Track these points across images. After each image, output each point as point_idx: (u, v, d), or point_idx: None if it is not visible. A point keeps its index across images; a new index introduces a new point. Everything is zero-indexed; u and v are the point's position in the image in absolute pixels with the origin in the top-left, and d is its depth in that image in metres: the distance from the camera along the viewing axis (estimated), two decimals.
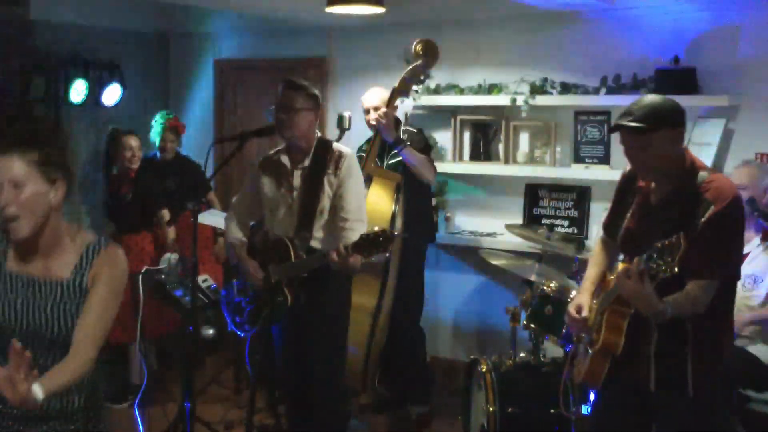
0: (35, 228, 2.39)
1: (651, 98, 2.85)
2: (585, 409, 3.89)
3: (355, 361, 4.65)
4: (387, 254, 3.65)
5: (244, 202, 4.17)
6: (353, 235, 3.72)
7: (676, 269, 2.53)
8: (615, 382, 2.91)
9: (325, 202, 3.89)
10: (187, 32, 6.84)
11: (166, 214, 5.42)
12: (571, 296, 3.80)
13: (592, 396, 3.80)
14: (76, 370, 2.35)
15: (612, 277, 2.92)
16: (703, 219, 2.70)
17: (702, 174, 2.81)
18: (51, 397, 2.26)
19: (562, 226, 5.22)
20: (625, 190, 3.03)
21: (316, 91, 3.99)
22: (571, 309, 2.99)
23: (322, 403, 3.98)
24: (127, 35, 6.61)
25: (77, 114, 6.13)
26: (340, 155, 3.92)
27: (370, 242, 3.57)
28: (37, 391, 2.16)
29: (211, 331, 6.28)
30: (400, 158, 4.82)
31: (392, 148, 4.83)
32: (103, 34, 6.38)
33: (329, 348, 3.95)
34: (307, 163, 3.93)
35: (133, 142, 5.50)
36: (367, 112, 4.96)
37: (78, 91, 6.00)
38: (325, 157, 3.92)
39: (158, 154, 5.75)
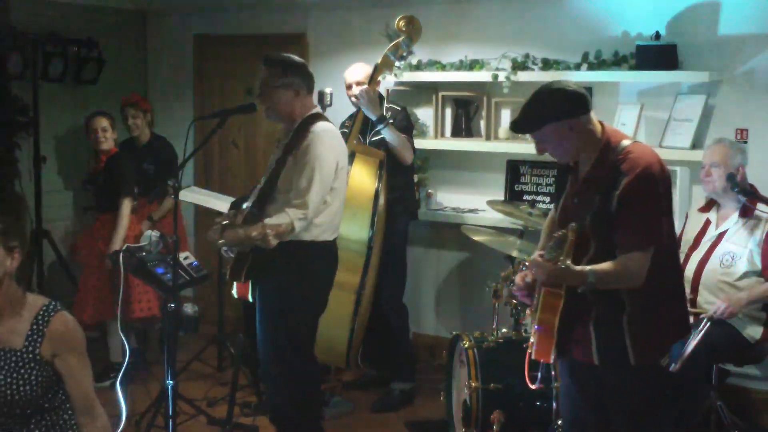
0: None
1: (537, 95, 2.91)
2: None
3: (339, 339, 4.65)
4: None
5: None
6: (280, 218, 3.67)
7: (568, 261, 2.73)
8: (566, 357, 2.97)
9: (283, 181, 3.80)
10: (166, 8, 6.76)
11: (128, 204, 5.28)
12: None
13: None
14: (105, 429, 2.66)
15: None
16: (617, 191, 2.76)
17: (622, 144, 2.87)
18: None
19: (543, 202, 5.22)
20: (563, 168, 3.10)
21: (298, 65, 3.89)
22: (518, 278, 3.04)
23: (274, 384, 3.98)
24: (105, 12, 6.52)
25: (55, 91, 6.07)
26: (306, 132, 3.79)
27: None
28: None
29: (191, 309, 6.29)
30: (383, 135, 4.80)
31: (375, 125, 4.80)
32: (81, 11, 6.30)
33: (271, 327, 3.87)
34: (286, 140, 3.89)
35: (102, 122, 5.39)
36: (349, 87, 4.93)
37: (56, 68, 5.93)
38: (299, 134, 3.84)
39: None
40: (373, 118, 4.75)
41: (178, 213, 4.10)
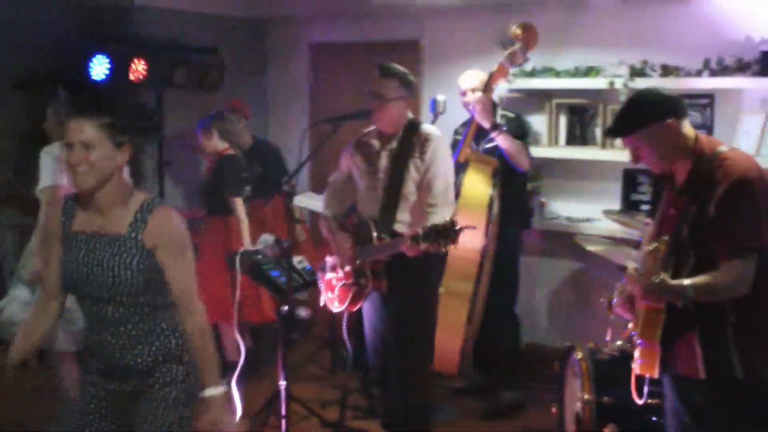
0: (99, 183, 2.64)
1: (630, 100, 2.91)
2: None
3: (452, 346, 4.64)
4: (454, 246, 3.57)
5: (337, 181, 4.22)
6: (437, 220, 3.68)
7: (663, 275, 2.66)
8: (670, 371, 2.89)
9: (411, 186, 3.88)
10: (283, 16, 6.91)
11: (239, 202, 5.40)
12: None
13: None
14: (203, 330, 2.74)
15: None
16: (714, 199, 2.69)
17: (717, 150, 2.79)
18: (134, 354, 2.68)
19: None
20: (659, 177, 3.04)
21: (411, 78, 3.98)
22: (617, 292, 3.02)
23: (400, 391, 4.00)
24: (227, 21, 6.72)
25: (179, 98, 6.28)
26: (426, 138, 3.88)
27: (437, 233, 3.51)
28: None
29: (305, 312, 6.39)
30: (496, 143, 4.78)
31: (488, 133, 4.79)
32: (204, 20, 6.51)
33: (406, 336, 3.93)
34: (394, 144, 3.94)
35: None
36: (463, 94, 4.93)
37: (180, 75, 6.14)
38: (412, 139, 3.90)
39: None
40: (487, 126, 4.73)
41: (292, 216, 4.18)
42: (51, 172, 4.31)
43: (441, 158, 3.89)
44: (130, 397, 2.73)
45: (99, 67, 5.75)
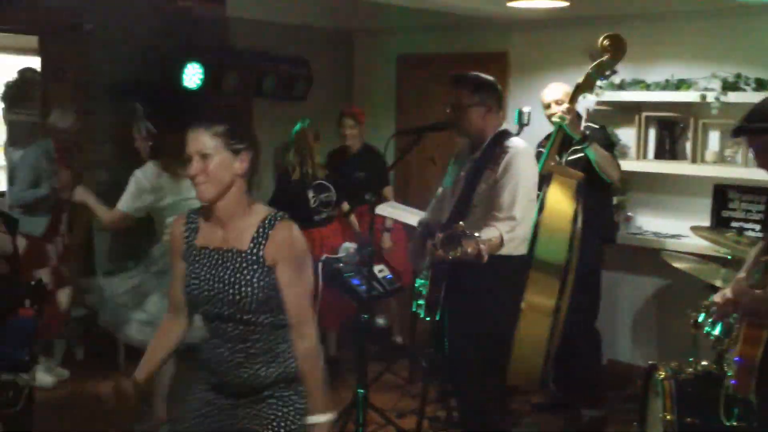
0: (219, 194, 2.58)
1: (766, 100, 2.81)
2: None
3: (534, 362, 4.58)
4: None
5: (441, 190, 4.21)
6: (490, 233, 3.64)
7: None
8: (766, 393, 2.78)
9: (479, 197, 3.82)
10: (371, 28, 6.98)
11: (345, 206, 5.51)
12: None
13: None
14: (313, 354, 2.65)
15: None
16: None
17: None
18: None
19: (753, 230, 4.94)
20: None
21: (488, 83, 3.91)
22: (716, 297, 2.89)
23: (465, 400, 3.98)
24: (315, 32, 6.83)
25: (268, 107, 6.40)
26: (504, 150, 3.81)
27: (447, 239, 3.41)
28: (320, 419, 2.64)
29: (383, 321, 6.42)
30: (581, 155, 4.71)
31: (572, 145, 4.73)
32: (292, 31, 6.63)
33: (467, 344, 3.88)
34: (478, 154, 3.92)
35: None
36: (547, 106, 4.88)
37: (269, 84, 6.26)
38: (494, 150, 3.86)
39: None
40: (576, 138, 4.66)
41: (374, 226, 4.20)
42: (130, 197, 4.42)
43: (513, 172, 3.76)
44: (239, 414, 2.67)
45: (192, 76, 5.91)
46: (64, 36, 5.90)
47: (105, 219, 4.51)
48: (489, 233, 3.68)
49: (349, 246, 5.04)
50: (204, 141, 2.55)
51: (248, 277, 2.57)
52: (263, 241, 2.59)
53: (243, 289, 2.56)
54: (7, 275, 4.32)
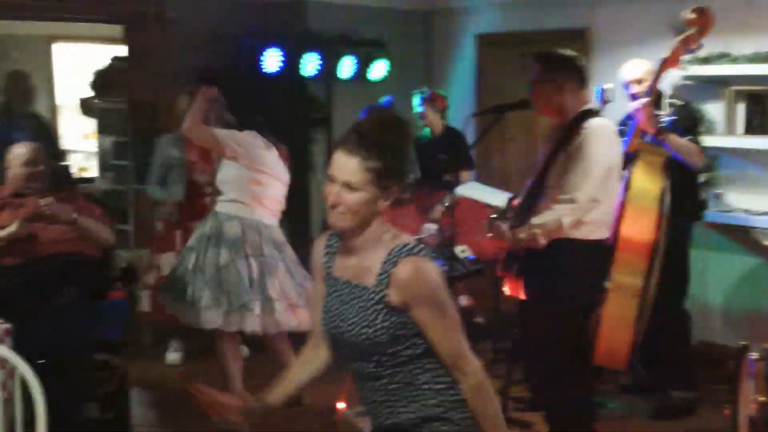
0: (355, 228, 2.35)
1: None
2: None
3: (622, 342, 4.51)
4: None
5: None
6: (545, 216, 3.59)
7: None
8: None
9: (553, 178, 3.75)
10: (450, 8, 6.94)
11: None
12: None
13: None
14: (479, 389, 2.38)
15: None
16: None
17: None
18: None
19: None
20: None
21: (566, 59, 3.83)
22: None
23: (548, 382, 3.95)
24: (392, 13, 6.82)
25: (345, 90, 6.43)
26: (582, 128, 3.70)
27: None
28: None
29: (466, 301, 6.40)
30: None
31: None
32: (370, 13, 6.63)
33: (541, 324, 3.85)
34: (556, 134, 3.86)
35: None
36: (628, 85, 4.78)
37: (347, 68, 6.29)
38: (572, 130, 3.75)
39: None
40: (652, 131, 4.54)
41: (455, 207, 4.19)
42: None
43: (584, 153, 3.64)
44: None
45: (272, 61, 5.98)
46: (147, 25, 6.03)
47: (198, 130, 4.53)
48: (544, 217, 3.63)
49: (431, 227, 5.03)
50: (354, 172, 2.27)
51: (371, 318, 2.33)
52: (386, 280, 2.31)
53: (364, 330, 2.34)
54: (101, 259, 4.47)
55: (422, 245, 2.36)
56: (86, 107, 6.91)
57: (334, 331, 2.41)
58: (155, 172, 5.45)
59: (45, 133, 6.21)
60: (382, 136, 2.31)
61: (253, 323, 4.44)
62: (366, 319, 2.33)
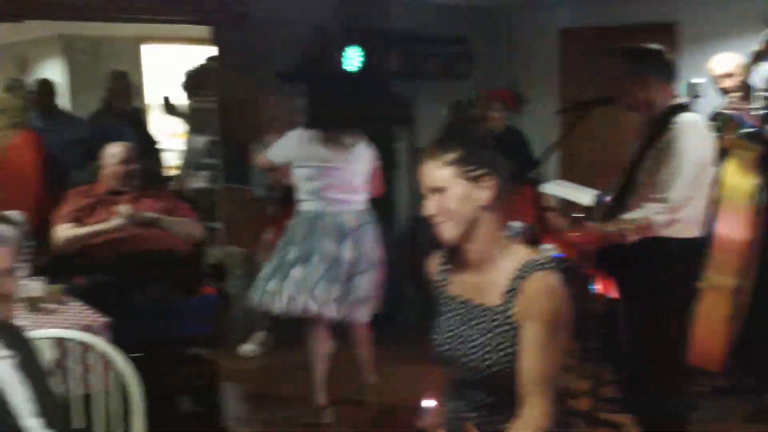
0: (464, 233, 2.19)
1: None
2: None
3: (715, 342, 4.42)
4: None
5: None
6: (635, 214, 3.52)
7: None
8: None
9: (641, 175, 3.66)
10: (532, 3, 6.87)
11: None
12: None
13: None
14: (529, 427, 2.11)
15: None
16: None
17: None
18: None
19: None
20: None
21: (652, 53, 3.73)
22: None
23: (640, 383, 3.87)
24: (475, 10, 6.79)
25: (430, 87, 6.43)
26: (671, 125, 3.61)
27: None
28: None
29: None
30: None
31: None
32: (453, 10, 6.61)
33: (634, 324, 3.78)
34: (646, 130, 3.78)
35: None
36: (717, 79, 4.67)
37: (430, 65, 6.28)
38: (662, 126, 3.66)
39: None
40: (749, 125, 4.42)
41: (539, 204, 4.16)
42: (275, 147, 4.69)
43: (675, 150, 3.53)
44: None
45: (353, 59, 6.02)
46: (234, 25, 6.14)
47: (258, 161, 4.94)
48: (634, 215, 3.57)
49: (516, 225, 4.99)
50: (435, 173, 2.18)
51: (498, 341, 2.14)
52: (514, 295, 2.13)
53: (489, 355, 2.14)
54: (192, 256, 4.57)
55: (553, 259, 2.20)
56: (168, 106, 7.08)
57: (450, 354, 2.21)
58: (259, 172, 5.63)
59: (141, 132, 6.38)
60: (454, 130, 2.28)
61: (360, 314, 4.64)
62: (492, 343, 2.14)
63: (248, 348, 5.71)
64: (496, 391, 2.17)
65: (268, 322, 5.55)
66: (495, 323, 2.15)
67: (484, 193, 2.18)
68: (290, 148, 4.68)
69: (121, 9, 5.89)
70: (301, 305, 4.53)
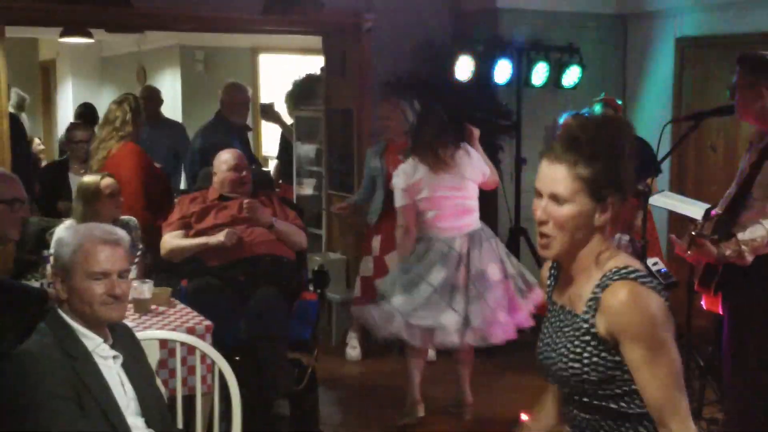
0: (566, 250, 2.06)
1: None
2: None
3: None
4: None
5: None
6: (754, 232, 3.36)
7: None
8: None
9: (758, 190, 3.52)
10: (647, 11, 6.71)
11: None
12: None
13: None
14: None
15: None
16: None
17: None
18: None
19: None
20: None
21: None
22: None
23: (741, 402, 3.74)
24: (586, 17, 6.69)
25: (537, 96, 6.37)
26: None
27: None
28: None
29: None
30: None
31: None
32: (564, 18, 6.54)
33: (740, 342, 3.65)
34: (762, 143, 3.64)
35: None
36: None
37: (539, 74, 6.22)
38: None
39: None
40: None
41: (646, 216, 4.06)
42: (399, 194, 4.62)
43: None
44: None
45: (464, 69, 6.02)
46: (345, 35, 6.25)
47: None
48: (754, 233, 3.42)
49: (621, 236, 4.89)
50: (562, 181, 2.00)
51: (578, 350, 2.03)
52: (595, 306, 2.01)
53: (572, 363, 2.04)
54: (295, 262, 4.67)
55: (642, 270, 2.03)
56: (266, 113, 7.21)
57: (545, 361, 2.14)
58: (364, 181, 5.70)
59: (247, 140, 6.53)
60: (594, 138, 2.00)
61: (475, 340, 4.51)
62: (573, 351, 2.04)
63: (351, 353, 5.78)
64: (584, 405, 2.07)
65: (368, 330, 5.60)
66: (579, 332, 2.04)
67: (604, 215, 2.02)
68: (403, 181, 4.61)
69: (236, 20, 6.07)
70: (419, 333, 4.47)
